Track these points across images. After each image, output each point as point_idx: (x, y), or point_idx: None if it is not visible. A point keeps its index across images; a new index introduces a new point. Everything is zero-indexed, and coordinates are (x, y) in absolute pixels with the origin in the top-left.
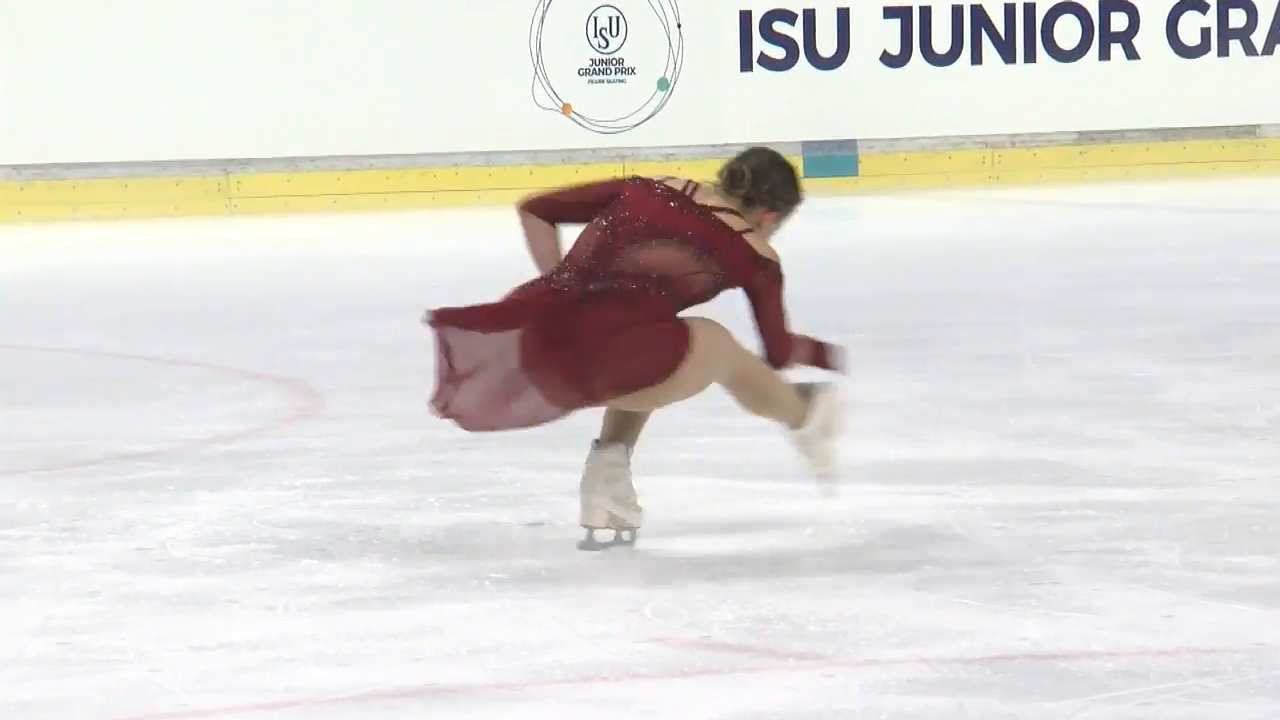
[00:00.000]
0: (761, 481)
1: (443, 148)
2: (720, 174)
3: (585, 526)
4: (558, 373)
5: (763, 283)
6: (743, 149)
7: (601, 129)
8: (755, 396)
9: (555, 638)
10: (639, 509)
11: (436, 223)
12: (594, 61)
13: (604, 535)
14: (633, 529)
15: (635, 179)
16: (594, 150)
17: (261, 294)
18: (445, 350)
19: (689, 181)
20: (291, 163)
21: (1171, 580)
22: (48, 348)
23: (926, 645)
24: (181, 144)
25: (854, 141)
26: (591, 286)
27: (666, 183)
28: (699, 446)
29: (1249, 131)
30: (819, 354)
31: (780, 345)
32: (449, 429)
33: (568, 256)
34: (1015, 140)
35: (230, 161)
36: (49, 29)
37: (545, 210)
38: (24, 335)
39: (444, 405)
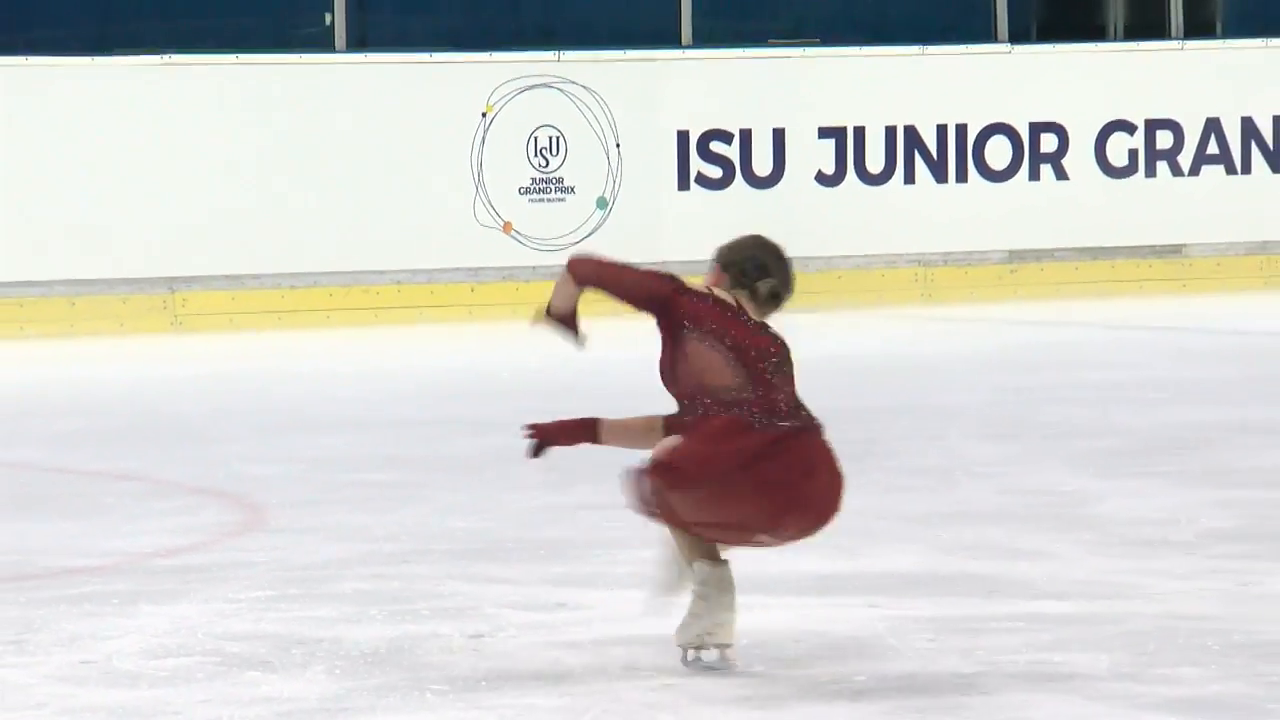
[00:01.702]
0: None
1: (385, 265)
2: (732, 275)
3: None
4: (814, 509)
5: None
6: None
7: (542, 247)
8: None
9: None
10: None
11: (378, 339)
12: (534, 180)
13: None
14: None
15: (691, 293)
16: (534, 268)
17: (205, 409)
18: (666, 512)
19: (725, 299)
20: (236, 280)
21: (1100, 692)
22: None
23: None
24: (127, 262)
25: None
26: (785, 424)
27: (722, 299)
28: (640, 560)
29: (1175, 251)
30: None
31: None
32: (390, 543)
33: (709, 389)
34: (947, 258)
35: (175, 279)
36: None
37: (591, 274)
38: None
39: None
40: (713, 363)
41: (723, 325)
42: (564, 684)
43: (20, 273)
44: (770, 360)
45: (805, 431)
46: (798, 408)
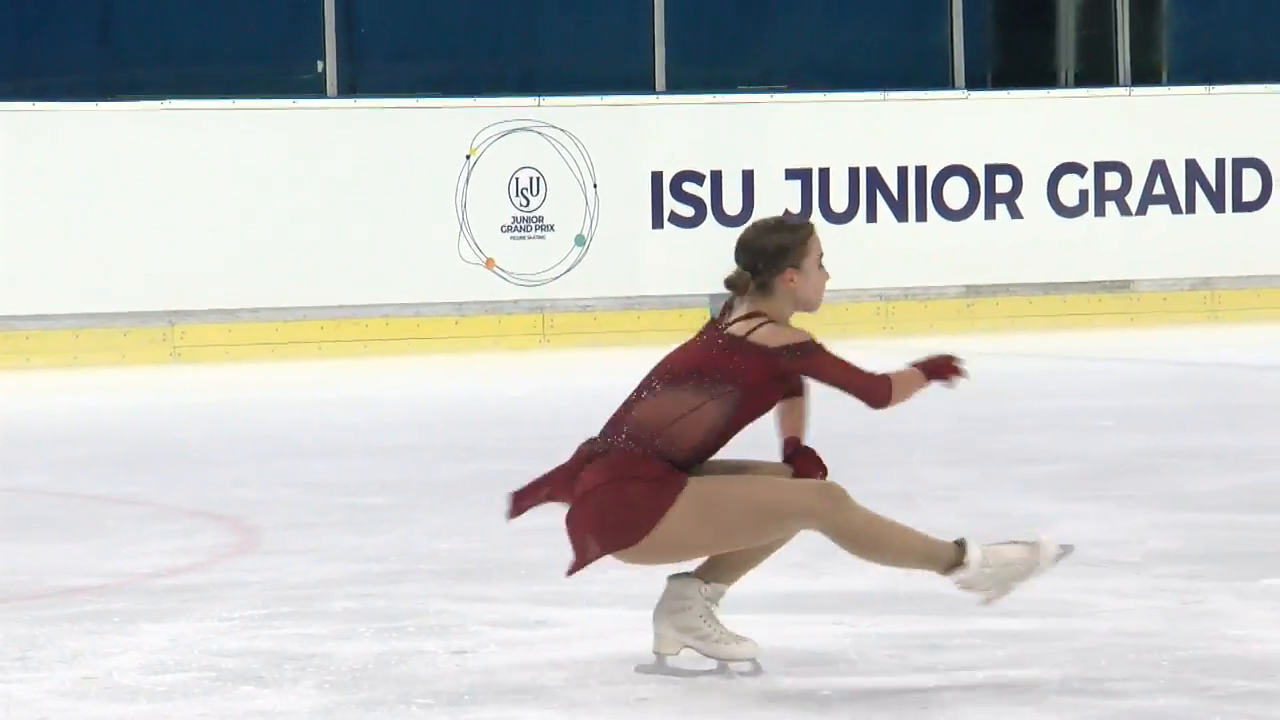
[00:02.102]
0: None
1: (373, 299)
2: (730, 286)
3: (655, 653)
4: (570, 536)
5: (798, 364)
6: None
7: (522, 282)
8: (862, 546)
9: None
10: (719, 640)
11: (367, 369)
12: (515, 219)
13: (674, 660)
14: (712, 657)
15: (708, 330)
16: (515, 302)
17: (202, 436)
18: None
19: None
20: (232, 314)
21: (1053, 705)
22: (1, 487)
23: None
24: (129, 297)
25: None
26: (597, 448)
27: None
28: (616, 579)
29: (1124, 286)
30: (923, 375)
31: (870, 392)
32: (378, 563)
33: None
34: (907, 293)
35: (175, 313)
36: (2, 192)
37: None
38: None
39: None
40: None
41: (672, 358)
42: (543, 697)
43: (26, 306)
44: (657, 378)
45: (596, 454)
46: (623, 432)
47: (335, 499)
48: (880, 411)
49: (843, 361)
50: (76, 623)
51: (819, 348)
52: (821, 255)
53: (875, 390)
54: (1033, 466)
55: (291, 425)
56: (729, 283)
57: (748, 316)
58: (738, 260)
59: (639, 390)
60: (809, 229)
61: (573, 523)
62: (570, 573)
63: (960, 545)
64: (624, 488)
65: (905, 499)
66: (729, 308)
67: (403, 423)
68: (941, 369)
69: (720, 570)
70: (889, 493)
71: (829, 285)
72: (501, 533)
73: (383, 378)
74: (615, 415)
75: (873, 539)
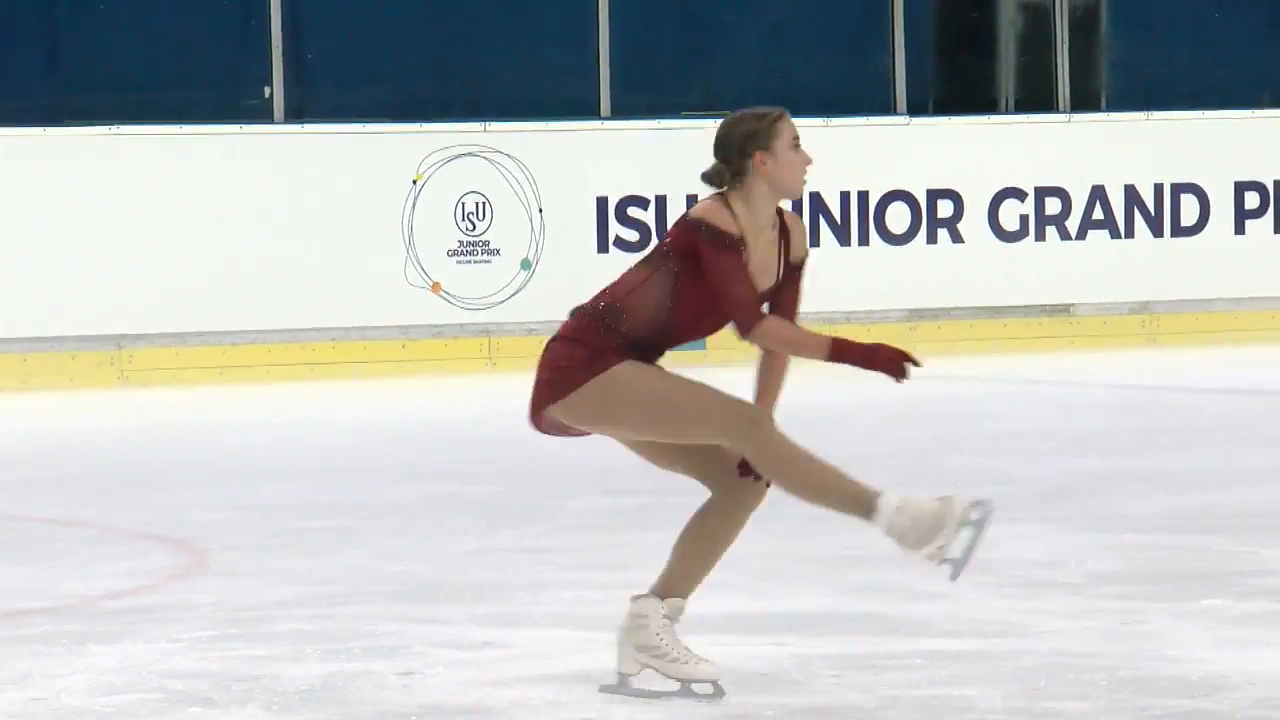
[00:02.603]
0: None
1: (320, 323)
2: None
3: (618, 673)
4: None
5: (704, 247)
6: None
7: (469, 306)
8: (782, 475)
9: None
10: (677, 659)
11: (314, 392)
12: (462, 243)
13: (635, 680)
14: (671, 678)
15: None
16: (462, 325)
17: (150, 459)
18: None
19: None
20: (180, 337)
21: None
22: None
23: None
24: (77, 320)
25: None
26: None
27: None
28: (561, 600)
29: (1064, 310)
30: (842, 353)
31: (738, 316)
32: (326, 585)
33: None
34: (850, 317)
35: (123, 337)
36: None
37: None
38: None
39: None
40: None
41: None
42: (489, 718)
43: None
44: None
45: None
46: (580, 310)
47: (283, 521)
48: (747, 341)
49: (736, 273)
50: (26, 644)
51: (726, 246)
52: (796, 139)
53: (743, 318)
54: (974, 488)
55: (240, 448)
56: (706, 177)
57: (715, 199)
58: (714, 156)
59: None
60: (778, 113)
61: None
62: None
63: (879, 494)
64: (568, 347)
65: (847, 520)
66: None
67: (350, 445)
68: (886, 361)
69: (676, 581)
70: (833, 514)
71: None
72: (449, 555)
73: (330, 401)
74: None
75: (793, 470)
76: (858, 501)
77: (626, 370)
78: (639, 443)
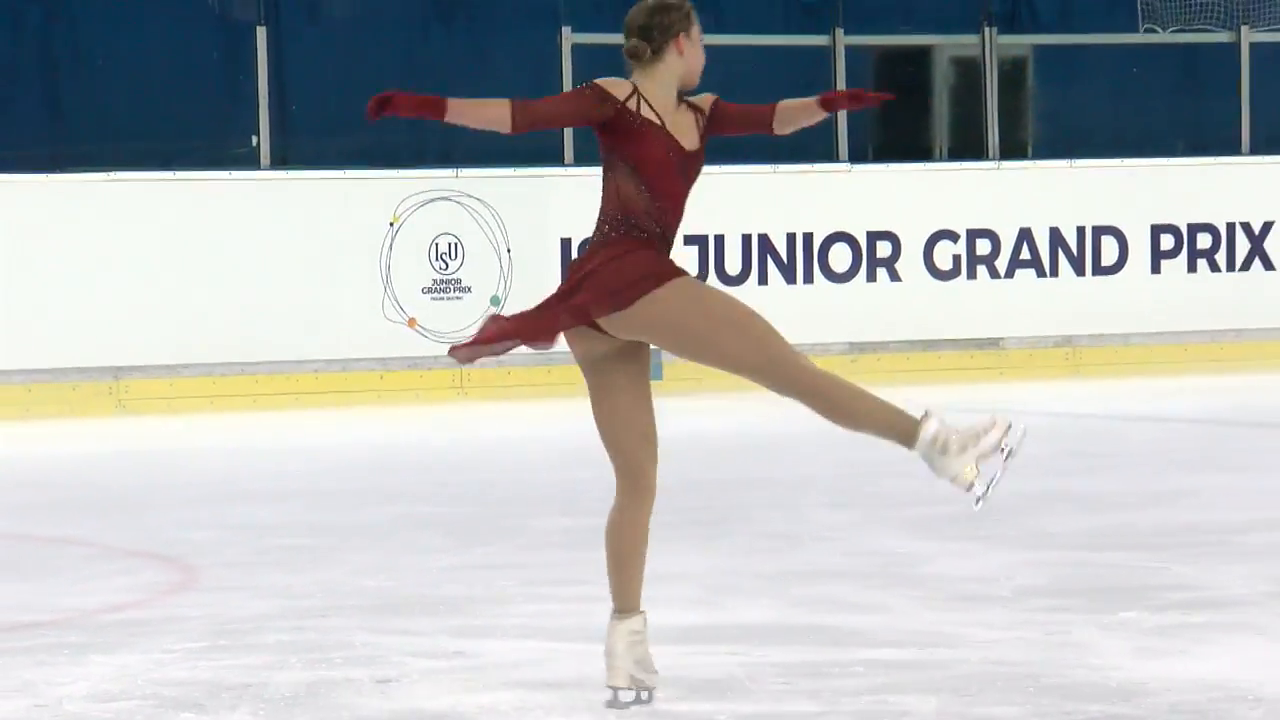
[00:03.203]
0: (581, 644)
1: (303, 355)
2: (630, 55)
3: (611, 688)
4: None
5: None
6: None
7: (442, 340)
8: (830, 408)
9: None
10: (655, 672)
11: (298, 420)
12: (435, 281)
13: (626, 695)
14: (650, 690)
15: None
16: (436, 358)
17: (145, 482)
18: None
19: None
20: (173, 369)
21: None
22: None
23: None
24: (77, 353)
25: (658, 350)
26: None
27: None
28: (527, 613)
29: (994, 343)
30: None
31: (510, 114)
32: (308, 599)
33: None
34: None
35: (120, 368)
36: None
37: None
38: None
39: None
40: None
41: None
42: None
43: None
44: None
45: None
46: (599, 238)
47: (268, 539)
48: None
49: (561, 100)
50: (29, 655)
51: (580, 90)
52: (700, 31)
53: (515, 113)
54: (911, 509)
55: (228, 471)
56: (629, 52)
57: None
58: (628, 37)
59: None
60: (690, 5)
61: (565, 298)
62: (551, 334)
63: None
64: (631, 259)
65: (793, 538)
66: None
67: (331, 469)
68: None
69: (634, 595)
70: (779, 532)
71: None
72: (422, 571)
73: (312, 428)
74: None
75: (841, 403)
76: (900, 430)
77: (695, 282)
78: (625, 385)
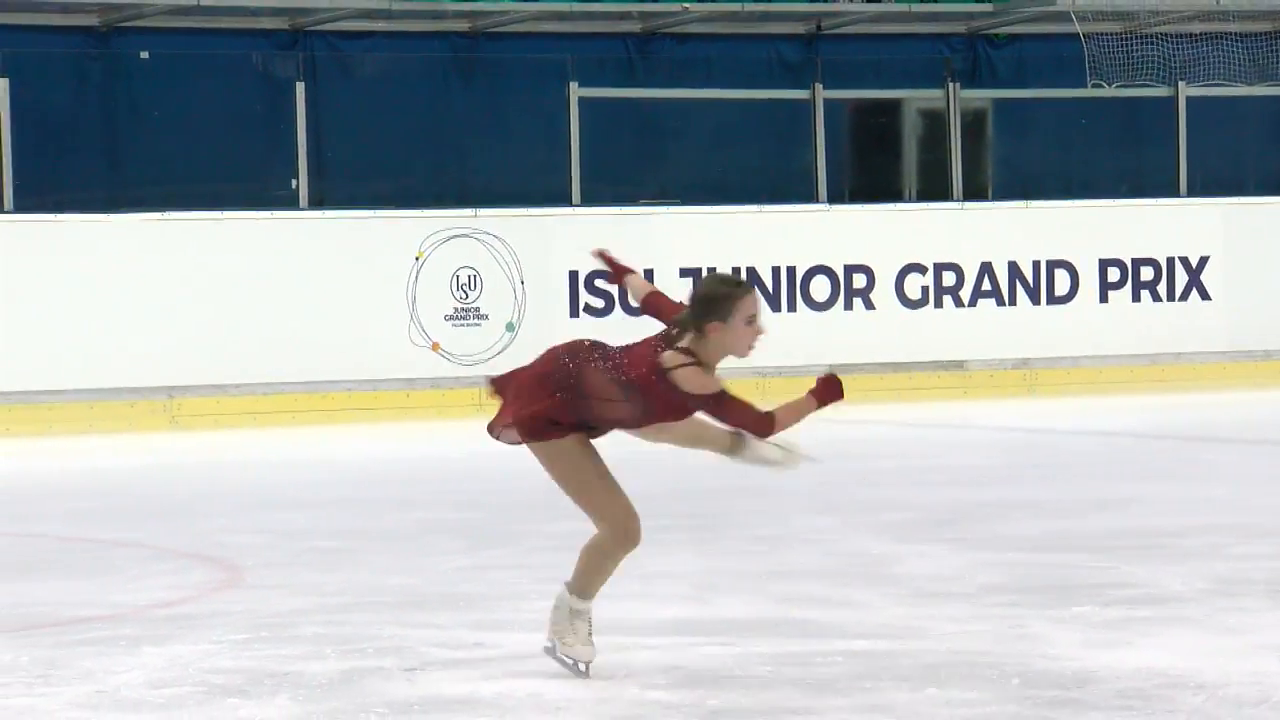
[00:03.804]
0: None
1: (337, 376)
2: (673, 332)
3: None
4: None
5: (706, 408)
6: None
7: (463, 362)
8: (593, 552)
9: None
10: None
11: (332, 435)
12: (457, 309)
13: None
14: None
15: (670, 323)
16: (457, 378)
17: (195, 491)
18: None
19: (665, 350)
20: (221, 388)
21: (901, 711)
22: (23, 533)
23: None
24: (134, 374)
25: None
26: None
27: (674, 330)
28: (539, 609)
29: (958, 365)
30: (814, 401)
31: (758, 426)
32: (341, 596)
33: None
34: (781, 371)
35: (173, 388)
36: (30, 288)
37: (649, 302)
38: (4, 523)
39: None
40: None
41: (624, 353)
42: (480, 707)
43: (47, 383)
44: (610, 359)
45: (558, 386)
46: (572, 380)
47: (305, 542)
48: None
49: (739, 404)
50: (89, 646)
51: (719, 396)
52: (754, 315)
53: (761, 424)
54: (884, 514)
55: (269, 481)
56: (675, 322)
57: (684, 350)
58: (688, 302)
59: (600, 352)
60: (744, 289)
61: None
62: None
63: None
64: (551, 411)
65: (778, 541)
66: (663, 347)
67: (361, 479)
68: (831, 391)
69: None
70: (765, 536)
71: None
72: (443, 571)
73: (344, 442)
74: (577, 358)
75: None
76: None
77: (572, 444)
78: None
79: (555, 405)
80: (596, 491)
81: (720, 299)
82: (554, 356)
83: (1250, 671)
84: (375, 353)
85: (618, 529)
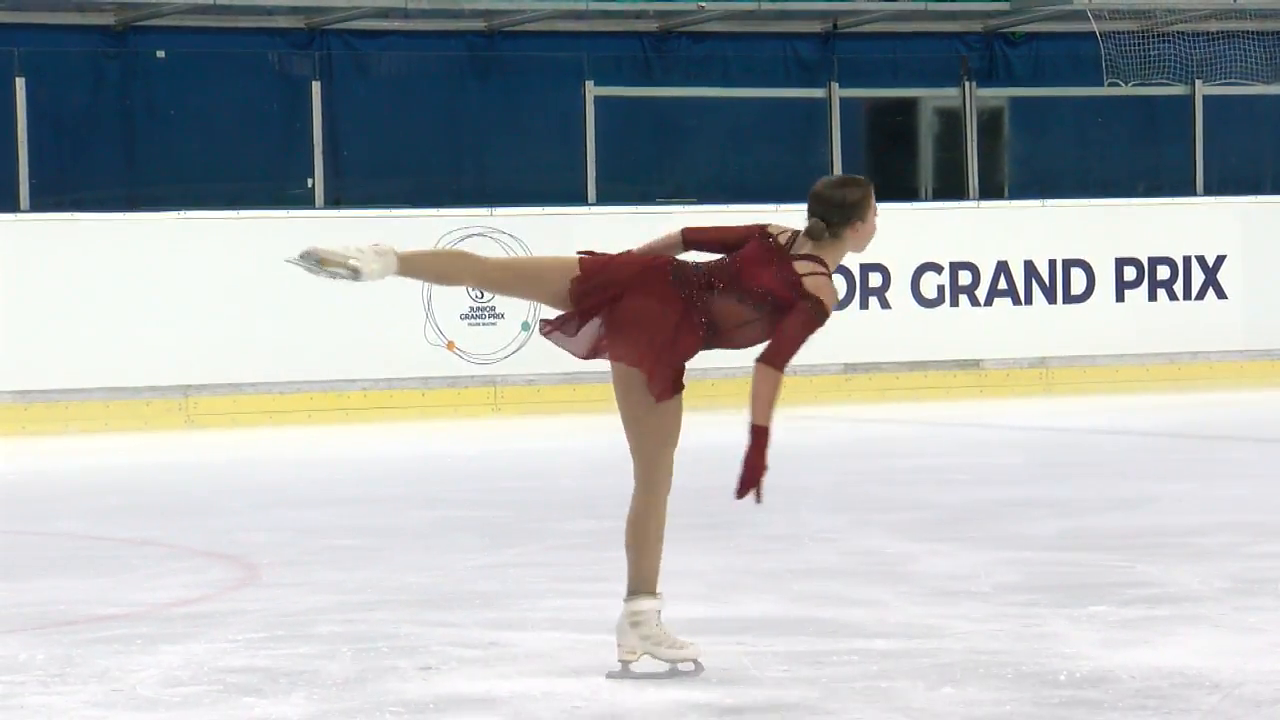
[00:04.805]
0: (602, 635)
1: (353, 375)
2: (808, 230)
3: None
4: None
5: (801, 309)
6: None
7: (478, 361)
8: (637, 528)
9: None
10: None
11: (347, 434)
12: (472, 308)
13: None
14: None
15: (764, 232)
16: (472, 377)
17: (211, 489)
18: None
19: (795, 233)
20: (236, 387)
21: (918, 710)
22: (41, 532)
23: None
24: (150, 373)
25: None
26: (683, 294)
27: (779, 237)
28: (554, 607)
29: (975, 364)
30: (757, 437)
31: (773, 356)
32: (357, 594)
33: (684, 266)
34: (795, 369)
35: (189, 386)
36: (47, 287)
37: (693, 237)
38: (22, 522)
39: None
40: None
41: (740, 264)
42: (496, 705)
43: (65, 381)
44: (729, 280)
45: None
46: (709, 321)
47: (321, 540)
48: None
49: (799, 337)
50: (106, 644)
51: (818, 317)
52: (876, 210)
53: (782, 365)
54: (899, 513)
55: (285, 479)
56: (810, 232)
57: (810, 258)
58: (812, 211)
59: (712, 273)
60: (871, 185)
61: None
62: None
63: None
64: (657, 338)
65: (794, 540)
66: (795, 236)
67: (377, 478)
68: (753, 474)
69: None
70: (782, 534)
71: (729, 365)
72: (459, 569)
73: (360, 440)
74: (690, 286)
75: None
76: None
77: (680, 401)
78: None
79: (696, 345)
80: (669, 450)
81: (860, 200)
82: (672, 296)
83: (1268, 671)
84: (390, 352)
85: (665, 484)
